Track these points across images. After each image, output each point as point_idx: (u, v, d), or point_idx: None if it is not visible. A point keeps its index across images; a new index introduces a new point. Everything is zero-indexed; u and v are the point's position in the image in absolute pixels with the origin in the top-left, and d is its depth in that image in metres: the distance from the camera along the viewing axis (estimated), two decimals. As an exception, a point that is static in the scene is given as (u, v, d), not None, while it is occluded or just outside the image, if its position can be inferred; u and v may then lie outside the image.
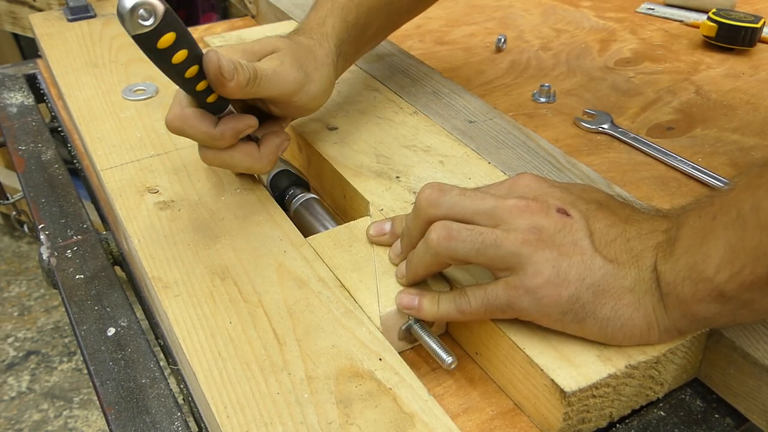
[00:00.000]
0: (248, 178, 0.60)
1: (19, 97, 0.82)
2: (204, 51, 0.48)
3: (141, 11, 0.41)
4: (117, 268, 0.60)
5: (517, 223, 0.43)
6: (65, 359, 1.72)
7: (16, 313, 1.85)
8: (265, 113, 0.58)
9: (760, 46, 0.91)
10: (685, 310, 0.41)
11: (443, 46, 0.92)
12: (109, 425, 0.45)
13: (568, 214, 0.44)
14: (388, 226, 0.52)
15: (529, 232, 0.43)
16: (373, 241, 0.52)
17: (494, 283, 0.44)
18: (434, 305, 0.46)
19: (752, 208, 0.38)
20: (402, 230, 0.50)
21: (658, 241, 0.43)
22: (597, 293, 0.42)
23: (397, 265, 0.50)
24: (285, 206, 0.59)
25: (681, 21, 0.99)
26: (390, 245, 0.52)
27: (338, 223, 0.56)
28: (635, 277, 0.42)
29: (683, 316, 0.42)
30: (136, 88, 0.74)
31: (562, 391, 0.41)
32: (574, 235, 0.43)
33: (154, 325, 0.54)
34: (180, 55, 0.45)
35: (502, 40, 0.90)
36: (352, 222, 0.55)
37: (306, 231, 0.56)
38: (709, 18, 0.89)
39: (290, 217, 0.56)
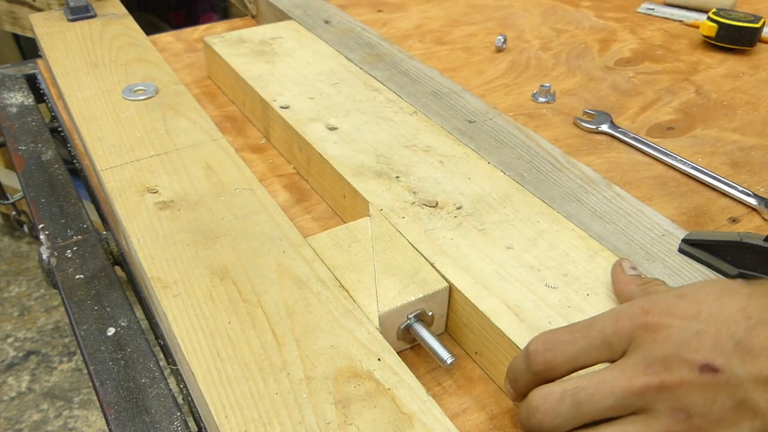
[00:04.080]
0: (247, 177, 0.60)
1: (19, 97, 0.82)
2: None
3: None
4: (117, 268, 0.60)
5: (657, 407, 0.34)
6: (65, 359, 1.72)
7: (16, 313, 1.85)
8: None
9: (760, 46, 0.91)
10: None
11: (443, 46, 0.92)
12: (108, 425, 0.45)
13: (715, 370, 0.33)
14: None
15: (675, 421, 0.34)
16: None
17: None
18: None
19: None
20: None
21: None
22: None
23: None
24: None
25: (681, 21, 0.99)
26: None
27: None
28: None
29: None
30: (136, 88, 0.74)
31: (561, 391, 0.41)
32: (734, 396, 0.33)
33: (154, 325, 0.54)
34: None
35: (502, 40, 0.90)
36: (351, 222, 0.55)
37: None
38: (709, 18, 0.89)
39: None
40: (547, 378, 0.38)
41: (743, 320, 0.34)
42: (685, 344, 0.34)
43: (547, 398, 0.37)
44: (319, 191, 0.65)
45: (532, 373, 0.39)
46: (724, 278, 0.43)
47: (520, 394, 0.40)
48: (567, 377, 0.38)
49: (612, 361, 0.37)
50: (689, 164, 0.66)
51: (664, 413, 0.34)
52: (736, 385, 0.32)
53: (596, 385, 0.36)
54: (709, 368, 0.33)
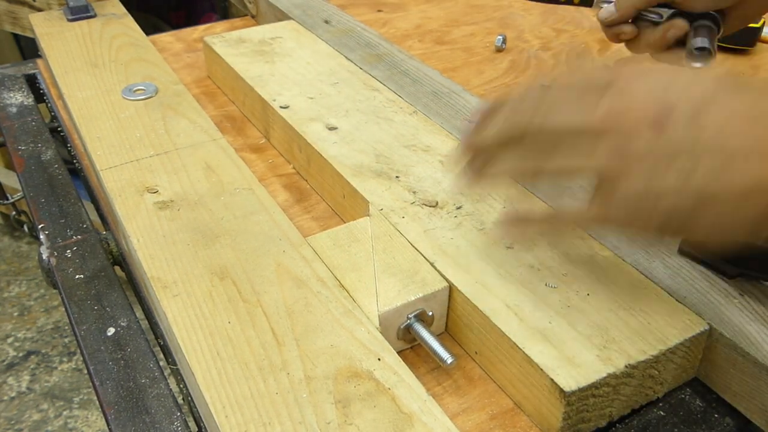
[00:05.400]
0: (247, 177, 0.60)
1: (19, 97, 0.82)
2: None
3: None
4: (117, 268, 0.60)
5: (601, 144, 0.38)
6: (65, 359, 1.72)
7: (16, 313, 1.85)
8: None
9: (760, 46, 0.91)
10: None
11: (443, 46, 0.92)
12: (108, 425, 0.45)
13: (663, 126, 0.37)
14: None
15: (615, 155, 0.38)
16: None
17: None
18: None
19: None
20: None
21: None
22: (711, 198, 0.36)
23: None
24: None
25: (681, 21, 0.99)
26: None
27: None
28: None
29: None
30: (135, 88, 0.74)
31: (561, 391, 0.41)
32: (669, 152, 0.37)
33: (154, 325, 0.54)
34: None
35: (502, 40, 0.90)
36: (351, 222, 0.55)
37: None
38: (709, 18, 0.89)
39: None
40: None
41: (703, 98, 0.37)
42: (645, 99, 0.38)
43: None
44: (318, 191, 0.65)
45: None
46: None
47: None
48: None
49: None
50: (689, 164, 0.65)
51: (606, 149, 0.38)
52: (677, 144, 0.36)
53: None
54: (659, 125, 0.36)
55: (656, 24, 0.61)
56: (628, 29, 0.63)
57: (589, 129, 0.39)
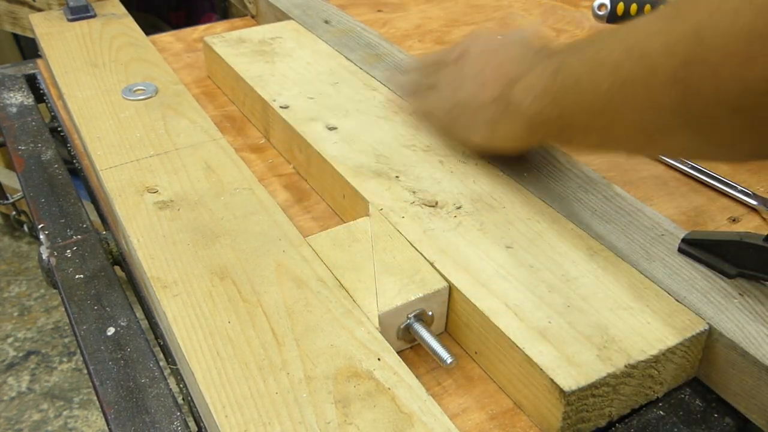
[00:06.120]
0: (247, 177, 0.60)
1: (19, 97, 0.82)
2: None
3: None
4: (117, 268, 0.60)
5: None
6: (65, 359, 1.72)
7: (16, 313, 1.85)
8: None
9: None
10: (521, 122, 0.54)
11: (443, 46, 0.92)
12: (108, 425, 0.45)
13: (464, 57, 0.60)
14: None
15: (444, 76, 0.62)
16: None
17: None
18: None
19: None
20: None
21: (522, 70, 0.54)
22: (462, 107, 0.59)
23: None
24: None
25: (681, 21, 0.99)
26: None
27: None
28: (496, 94, 0.55)
29: (521, 125, 0.54)
30: (135, 88, 0.74)
31: (561, 391, 0.41)
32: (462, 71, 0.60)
33: (154, 325, 0.54)
34: None
35: (502, 39, 0.89)
36: (351, 222, 0.55)
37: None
38: (709, 18, 0.89)
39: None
40: None
41: (485, 49, 0.60)
42: (471, 46, 0.62)
43: None
44: (318, 191, 0.65)
45: None
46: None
47: None
48: None
49: None
50: (689, 164, 0.66)
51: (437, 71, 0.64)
52: (461, 71, 0.60)
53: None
54: (458, 60, 0.61)
55: None
56: None
57: (438, 62, 0.64)
